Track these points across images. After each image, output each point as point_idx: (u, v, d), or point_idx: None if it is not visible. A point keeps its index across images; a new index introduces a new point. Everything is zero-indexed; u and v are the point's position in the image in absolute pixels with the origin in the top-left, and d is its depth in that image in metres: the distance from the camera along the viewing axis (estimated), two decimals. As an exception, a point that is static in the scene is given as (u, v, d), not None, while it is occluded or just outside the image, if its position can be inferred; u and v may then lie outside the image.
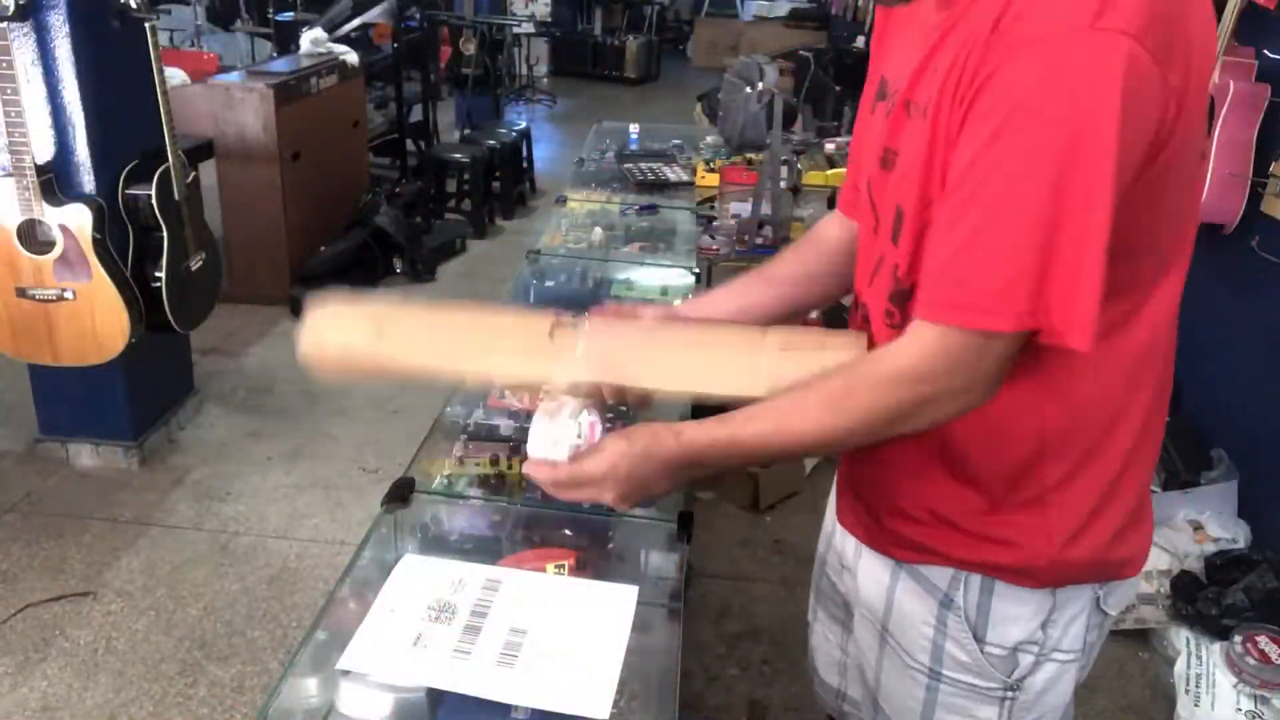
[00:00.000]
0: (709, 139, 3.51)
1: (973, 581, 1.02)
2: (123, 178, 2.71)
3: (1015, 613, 1.02)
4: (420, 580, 1.10)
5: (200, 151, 3.79)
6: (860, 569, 1.14)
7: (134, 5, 2.57)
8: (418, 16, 5.92)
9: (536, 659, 0.99)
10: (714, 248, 2.78)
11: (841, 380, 0.95)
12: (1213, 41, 0.87)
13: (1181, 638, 2.33)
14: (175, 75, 4.28)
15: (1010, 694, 1.05)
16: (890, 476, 1.06)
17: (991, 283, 0.84)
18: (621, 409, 1.19)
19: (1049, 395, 0.95)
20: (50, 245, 2.57)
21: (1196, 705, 2.18)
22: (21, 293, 2.62)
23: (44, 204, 2.53)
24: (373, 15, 5.15)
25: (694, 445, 0.97)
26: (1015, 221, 0.81)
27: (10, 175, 2.49)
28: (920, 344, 0.89)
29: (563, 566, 1.23)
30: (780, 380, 0.97)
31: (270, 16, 5.90)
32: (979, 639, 1.03)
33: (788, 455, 1.04)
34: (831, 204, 3.74)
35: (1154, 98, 0.79)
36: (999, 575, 1.01)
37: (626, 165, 3.09)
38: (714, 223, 2.97)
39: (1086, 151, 0.78)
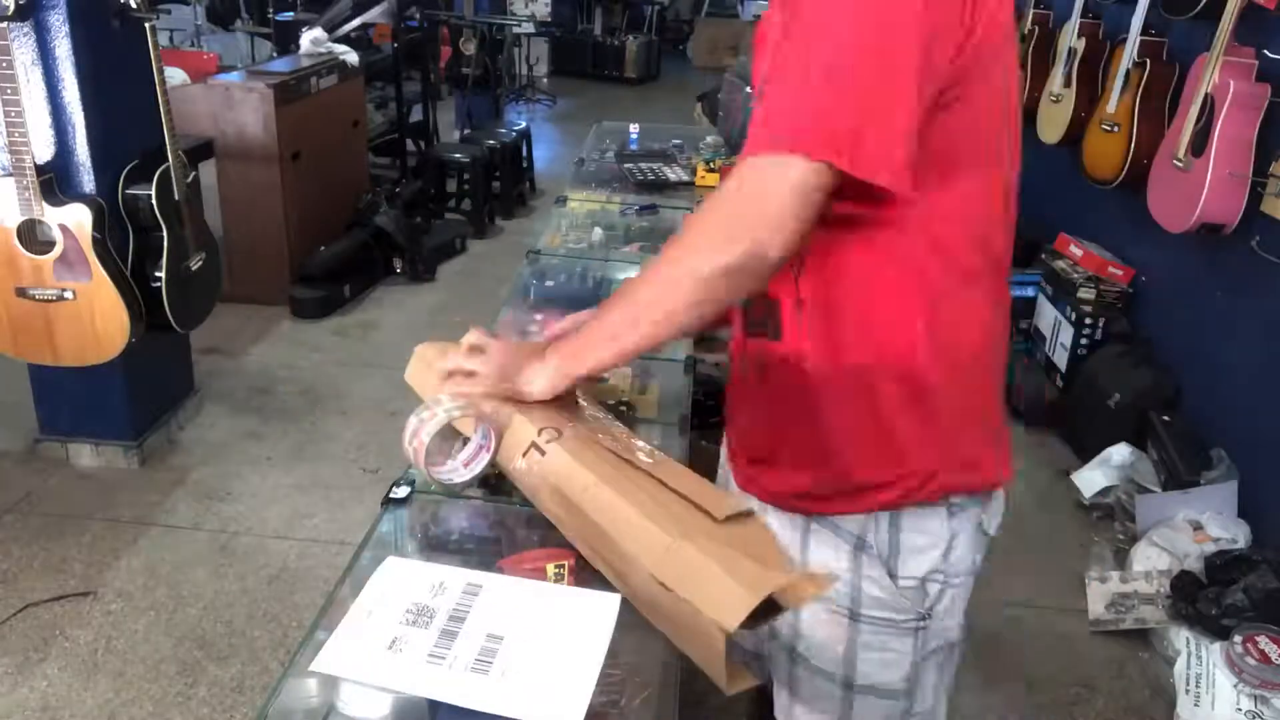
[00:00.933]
0: (709, 139, 3.50)
1: (882, 520, 1.10)
2: (123, 178, 2.71)
3: (921, 543, 1.10)
4: (401, 583, 1.09)
5: (200, 151, 3.79)
6: (770, 526, 1.16)
7: (134, 5, 2.57)
8: (418, 16, 5.92)
9: (511, 666, 0.98)
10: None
11: (643, 267, 1.07)
12: None
13: (1181, 638, 2.33)
14: (175, 75, 4.29)
15: (922, 624, 1.13)
16: (781, 426, 1.12)
17: (793, 113, 0.91)
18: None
19: (914, 297, 1.02)
20: (50, 245, 2.57)
21: (1196, 705, 2.18)
22: (21, 292, 2.61)
23: (44, 204, 2.53)
24: (373, 15, 5.15)
25: (564, 345, 1.10)
26: (820, 59, 0.90)
27: (10, 175, 2.49)
28: (741, 173, 0.95)
29: (563, 567, 1.22)
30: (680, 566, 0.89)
31: (270, 16, 5.90)
32: (892, 575, 1.11)
33: (650, 333, 1.02)
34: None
35: None
36: (903, 504, 1.08)
37: (626, 165, 3.08)
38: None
39: (893, 9, 0.89)
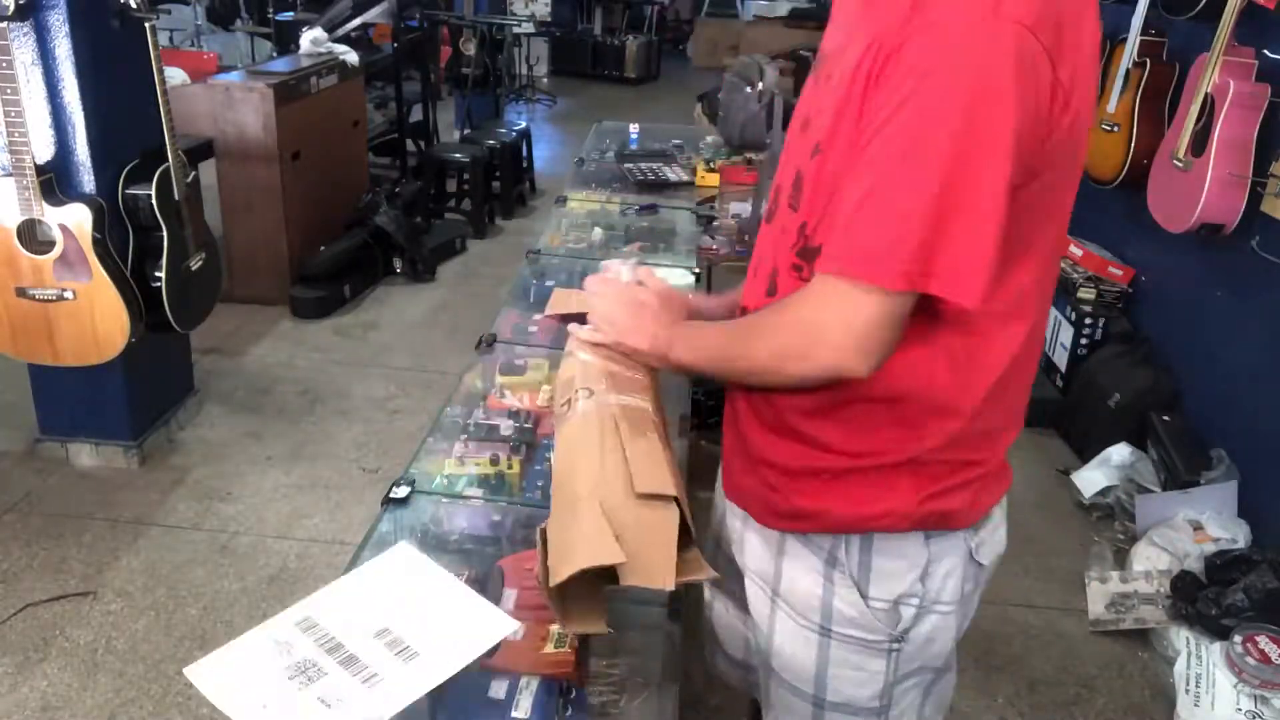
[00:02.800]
0: (709, 139, 3.50)
1: (853, 540, 1.09)
2: (123, 178, 2.71)
3: (894, 567, 1.09)
4: (239, 678, 1.00)
5: (200, 151, 3.79)
6: (748, 541, 1.21)
7: (134, 5, 2.57)
8: (418, 16, 5.92)
9: (423, 637, 1.01)
10: (714, 248, 2.77)
11: (757, 317, 1.06)
12: (1098, 51, 0.96)
13: (1181, 638, 2.33)
14: (175, 75, 4.29)
15: (896, 645, 1.12)
16: (766, 446, 1.13)
17: (879, 238, 0.90)
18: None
19: (940, 362, 1.00)
20: (50, 245, 2.57)
21: (1196, 705, 2.18)
22: (21, 292, 2.61)
23: (44, 204, 2.53)
24: (373, 15, 5.14)
25: (675, 328, 1.16)
26: (910, 181, 0.88)
27: (10, 175, 2.49)
28: (811, 291, 0.96)
29: (562, 566, 1.22)
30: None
31: (270, 16, 5.89)
32: (863, 594, 1.10)
33: (726, 376, 1.13)
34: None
35: (1044, 85, 0.88)
36: (876, 528, 1.08)
37: (626, 165, 3.08)
38: (714, 223, 2.97)
39: (983, 117, 0.86)
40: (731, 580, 1.28)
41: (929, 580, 1.10)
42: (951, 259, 0.88)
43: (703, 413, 3.03)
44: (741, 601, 1.27)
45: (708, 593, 1.38)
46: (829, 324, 0.94)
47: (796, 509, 1.11)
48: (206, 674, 0.96)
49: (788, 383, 1.03)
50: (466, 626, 1.03)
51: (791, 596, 1.15)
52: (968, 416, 1.02)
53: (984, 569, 1.15)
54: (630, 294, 1.21)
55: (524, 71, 9.01)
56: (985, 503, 1.11)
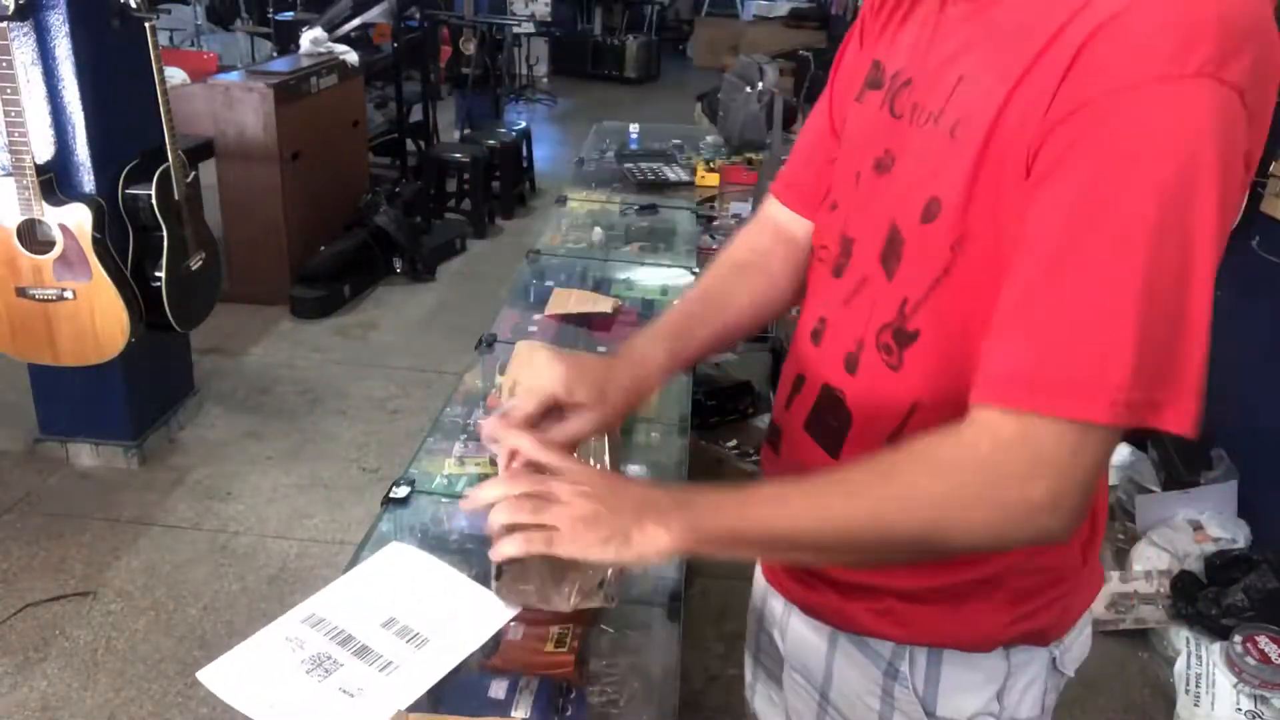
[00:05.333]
0: (709, 139, 3.51)
1: (920, 650, 0.93)
2: (123, 177, 2.71)
3: (968, 680, 0.93)
4: (252, 673, 1.00)
5: (200, 151, 3.79)
6: (790, 630, 1.05)
7: (134, 5, 2.57)
8: (418, 16, 5.92)
9: (430, 625, 1.02)
10: (714, 248, 2.77)
11: (874, 473, 0.76)
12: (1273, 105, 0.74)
13: (1181, 638, 2.33)
14: (175, 75, 4.29)
15: None
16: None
17: (1088, 360, 0.67)
18: None
19: None
20: (50, 245, 2.57)
21: (1196, 705, 2.18)
22: (21, 292, 2.61)
23: (44, 203, 2.53)
24: (373, 15, 5.15)
25: (689, 503, 0.79)
26: (1117, 288, 0.67)
27: (10, 175, 2.49)
28: (988, 433, 0.70)
29: (563, 566, 1.23)
30: None
31: (270, 16, 5.89)
32: (929, 712, 0.94)
33: (799, 550, 0.81)
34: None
35: (1240, 160, 0.70)
36: (948, 646, 0.93)
37: (626, 165, 3.09)
38: (714, 223, 2.97)
39: (1195, 211, 0.66)
40: (774, 664, 1.14)
41: (1007, 696, 0.94)
42: (1174, 382, 0.68)
43: (703, 412, 3.03)
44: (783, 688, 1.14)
45: (749, 673, 1.22)
46: (1031, 475, 0.69)
47: (856, 619, 0.95)
48: (219, 676, 0.95)
49: (944, 552, 0.79)
50: (470, 612, 1.04)
51: (843, 705, 1.00)
52: None
53: (1064, 677, 0.99)
54: (594, 475, 0.85)
55: (524, 71, 9.01)
56: (1075, 610, 0.95)
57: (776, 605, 1.08)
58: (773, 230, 1.10)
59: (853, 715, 0.99)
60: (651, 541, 0.77)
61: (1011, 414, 0.69)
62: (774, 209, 1.10)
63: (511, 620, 1.05)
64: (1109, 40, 0.67)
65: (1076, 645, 0.98)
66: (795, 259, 1.06)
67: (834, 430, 0.91)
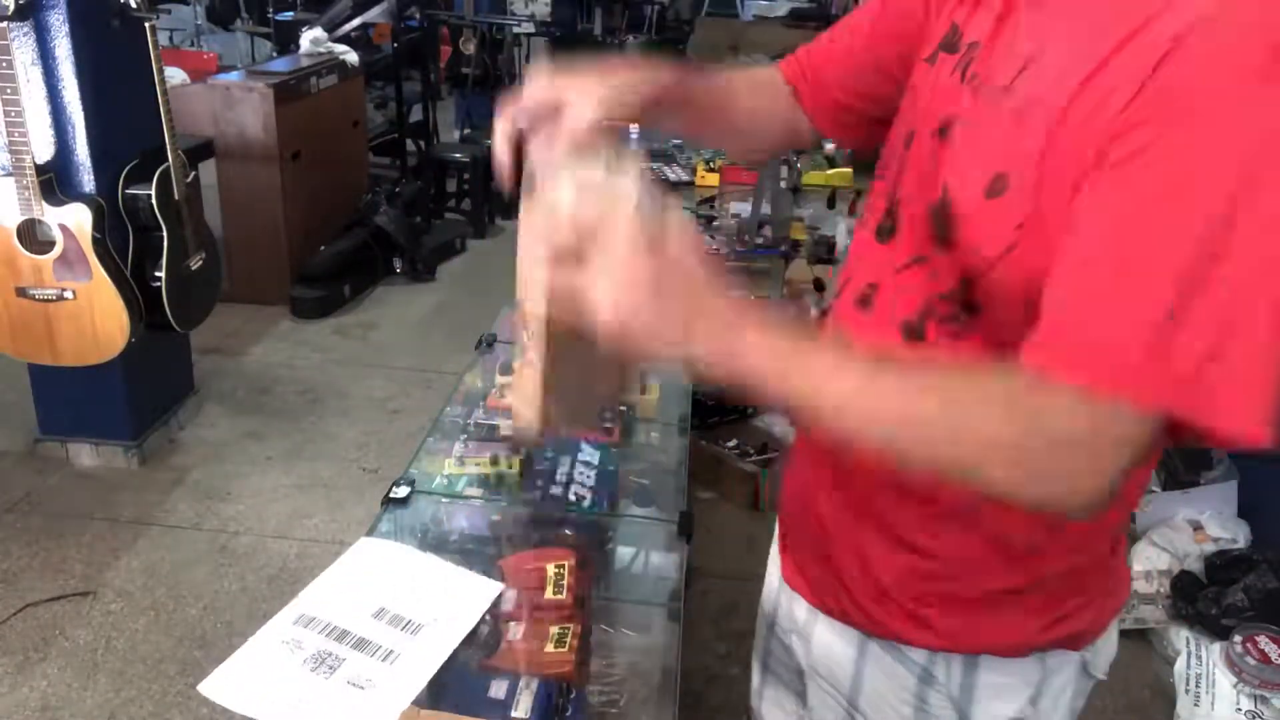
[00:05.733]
0: (709, 139, 3.50)
1: (955, 657, 0.93)
2: (123, 177, 2.71)
3: (1004, 684, 0.93)
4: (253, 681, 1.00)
5: (200, 151, 3.79)
6: (816, 636, 1.02)
7: (134, 5, 2.57)
8: (418, 16, 5.92)
9: (423, 611, 1.02)
10: (714, 248, 2.78)
11: (938, 378, 0.73)
12: None
13: (1181, 638, 2.33)
14: (175, 75, 4.29)
15: None
16: (870, 553, 0.93)
17: (1138, 344, 0.66)
18: None
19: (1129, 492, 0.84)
20: (50, 245, 2.57)
21: (1196, 705, 2.18)
22: (21, 292, 2.61)
23: (44, 203, 2.53)
24: (373, 15, 5.15)
25: (740, 332, 0.72)
26: (1179, 260, 0.65)
27: (10, 175, 2.49)
28: (1050, 398, 0.69)
29: (563, 567, 1.23)
30: None
31: (270, 16, 5.90)
32: (964, 718, 0.94)
33: (823, 431, 0.76)
34: (831, 203, 3.69)
35: None
36: (984, 652, 0.92)
37: (626, 165, 3.08)
38: (714, 223, 2.97)
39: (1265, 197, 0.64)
40: (787, 672, 1.13)
41: (1041, 700, 0.93)
42: (1239, 383, 0.68)
43: (703, 412, 3.03)
44: (796, 697, 1.12)
45: (756, 678, 1.20)
46: (1072, 448, 0.68)
47: (889, 625, 0.94)
48: (222, 686, 0.95)
49: (960, 482, 0.74)
50: (458, 594, 1.04)
51: (874, 713, 0.98)
52: (1103, 527, 0.89)
53: (1093, 680, 0.98)
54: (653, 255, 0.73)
55: (524, 71, 9.01)
56: (1108, 611, 0.96)
57: (799, 611, 1.05)
58: (777, 79, 1.08)
59: None
60: (686, 353, 0.73)
61: (1077, 386, 0.68)
62: (772, 73, 1.09)
63: (508, 613, 1.04)
64: (1199, 44, 0.66)
65: (1106, 648, 0.98)
66: (786, 112, 1.06)
67: None
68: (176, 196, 2.81)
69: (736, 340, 0.72)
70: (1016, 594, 0.89)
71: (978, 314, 0.80)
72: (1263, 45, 0.65)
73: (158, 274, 2.78)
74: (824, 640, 1.01)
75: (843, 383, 0.72)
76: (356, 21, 5.02)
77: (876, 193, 0.93)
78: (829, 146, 3.60)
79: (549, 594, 1.18)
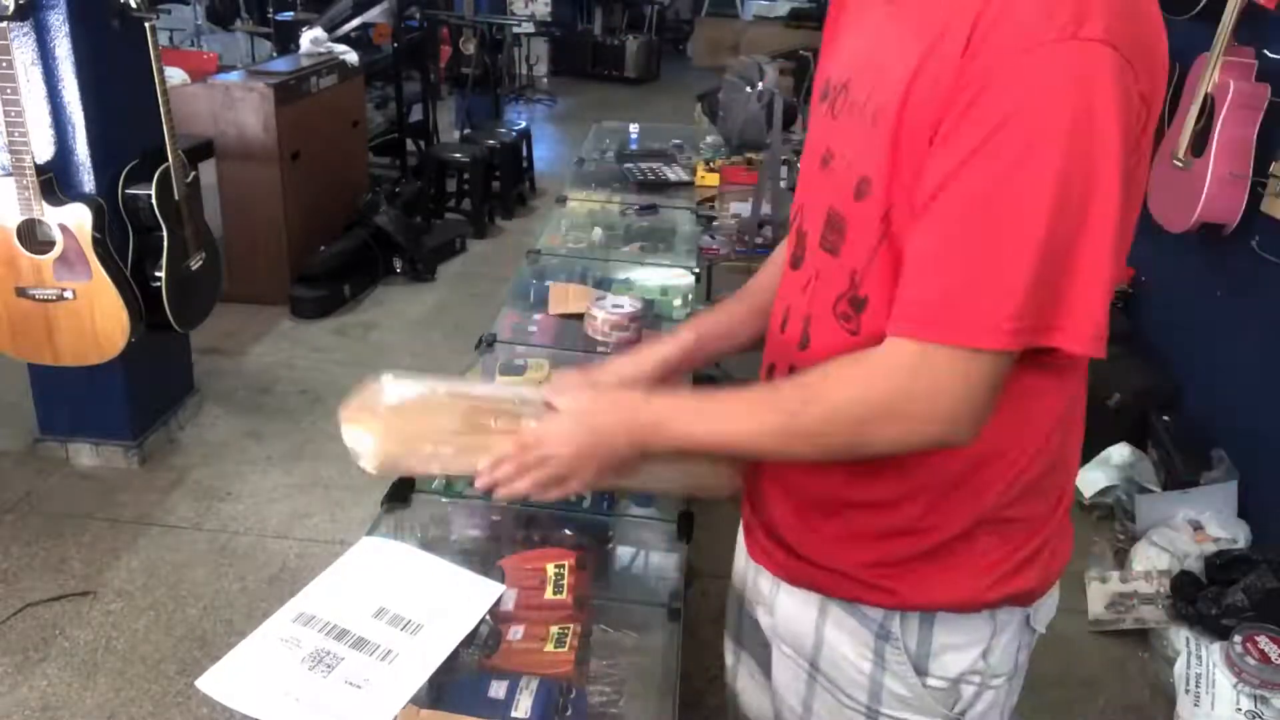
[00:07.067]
0: (709, 139, 3.50)
1: (911, 615, 0.98)
2: (123, 177, 2.71)
3: (957, 642, 0.98)
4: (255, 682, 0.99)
5: (200, 151, 3.79)
6: (779, 604, 1.08)
7: (134, 5, 2.57)
8: (418, 16, 5.92)
9: (423, 611, 1.01)
10: (714, 248, 2.77)
11: (804, 388, 0.91)
12: (1166, 54, 0.86)
13: (1181, 638, 2.33)
14: (175, 75, 4.28)
15: None
16: (815, 519, 1.00)
17: (984, 294, 0.79)
18: None
19: (1021, 435, 0.92)
20: (50, 245, 2.57)
21: (1196, 705, 2.17)
22: (21, 292, 2.61)
23: (44, 203, 2.53)
24: (373, 15, 5.15)
25: (659, 411, 0.97)
26: (1013, 229, 0.78)
27: (10, 175, 2.49)
28: (896, 360, 0.84)
29: (563, 567, 1.23)
30: None
31: (270, 16, 5.89)
32: (920, 672, 0.99)
33: (737, 454, 1.01)
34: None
35: (1134, 104, 0.79)
36: (938, 609, 0.97)
37: (626, 165, 3.09)
38: (714, 223, 2.97)
39: (1091, 149, 0.76)
40: (757, 646, 1.17)
41: (990, 655, 0.99)
42: (1070, 307, 0.79)
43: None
44: (766, 668, 1.16)
45: (729, 657, 1.26)
46: (931, 394, 0.82)
47: (846, 587, 1.00)
48: (219, 683, 0.95)
49: (866, 455, 0.90)
50: (459, 594, 1.03)
51: (834, 671, 1.03)
52: (1032, 463, 0.94)
53: (1035, 634, 1.04)
54: (567, 419, 1.00)
55: (524, 71, 9.01)
56: (1054, 570, 1.01)
57: (763, 583, 1.11)
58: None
59: (843, 680, 1.02)
60: (634, 455, 0.97)
61: (915, 343, 0.82)
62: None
63: (508, 613, 1.04)
64: (993, 19, 0.78)
65: (1048, 603, 1.04)
66: None
67: None
68: (176, 196, 2.81)
69: (654, 414, 0.97)
70: (960, 543, 0.94)
71: (866, 307, 0.91)
72: (1036, 11, 0.77)
73: (158, 274, 2.78)
74: (786, 607, 1.07)
75: (733, 422, 0.94)
76: (356, 21, 5.02)
77: (790, 233, 1.06)
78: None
79: (549, 594, 1.18)
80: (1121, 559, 2.70)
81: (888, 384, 0.85)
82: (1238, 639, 2.18)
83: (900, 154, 0.84)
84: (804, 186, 1.03)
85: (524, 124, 6.09)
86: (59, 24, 2.51)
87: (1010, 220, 0.78)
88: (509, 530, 1.39)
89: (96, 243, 2.58)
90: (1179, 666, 2.27)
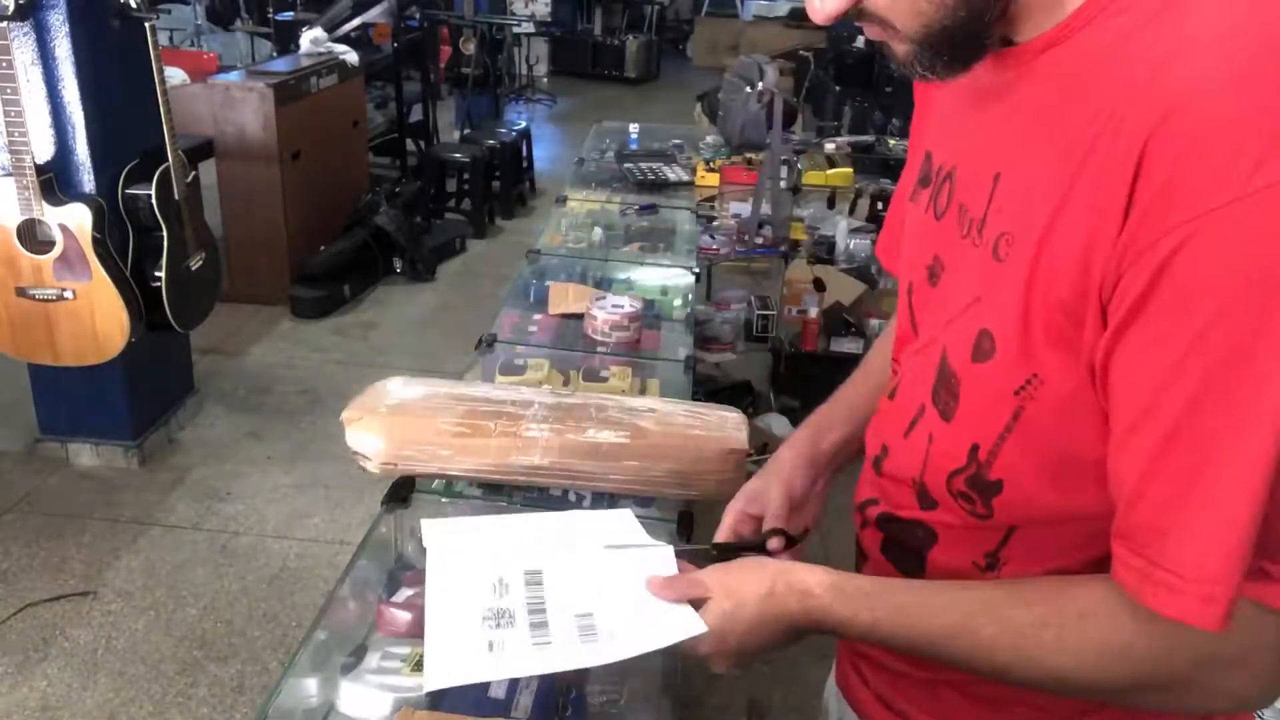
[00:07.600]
0: (709, 139, 3.51)
1: None
2: (123, 177, 2.71)
3: None
4: (459, 581, 0.98)
5: (200, 151, 3.79)
6: None
7: (134, 5, 2.57)
8: (418, 16, 5.92)
9: (612, 627, 0.96)
10: (714, 248, 2.78)
11: (1045, 615, 0.68)
12: None
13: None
14: (175, 75, 4.29)
15: None
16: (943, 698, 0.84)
17: (1221, 560, 0.59)
18: None
19: None
20: (50, 245, 2.57)
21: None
22: (21, 292, 2.61)
23: (44, 203, 2.53)
24: (373, 15, 5.15)
25: (824, 616, 0.76)
26: (1250, 466, 0.58)
27: (10, 175, 2.49)
28: (1153, 629, 0.63)
29: (563, 566, 1.22)
30: None
31: (270, 16, 5.89)
32: None
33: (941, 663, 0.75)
34: (831, 204, 3.69)
35: None
36: None
37: (626, 165, 3.09)
38: (714, 223, 2.97)
39: None
40: None
41: None
42: None
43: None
44: None
45: None
46: (1232, 662, 0.63)
47: None
48: (438, 535, 0.94)
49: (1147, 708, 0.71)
50: (657, 618, 0.97)
51: None
52: None
53: None
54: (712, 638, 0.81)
55: (524, 71, 9.01)
56: None
57: None
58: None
59: None
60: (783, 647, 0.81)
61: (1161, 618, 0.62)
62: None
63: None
64: (1174, 149, 0.56)
65: None
66: None
67: (914, 556, 0.83)
68: (176, 196, 2.81)
69: (815, 612, 0.76)
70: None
71: (1000, 494, 0.73)
72: (1235, 147, 0.55)
73: (158, 274, 2.78)
74: None
75: (942, 618, 0.72)
76: (356, 21, 5.02)
77: (900, 355, 0.87)
78: (829, 147, 3.60)
79: (549, 594, 1.18)
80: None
81: (1139, 652, 0.65)
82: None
83: (1038, 310, 0.65)
84: (905, 302, 0.83)
85: (524, 124, 6.09)
86: (59, 24, 2.51)
87: (1245, 457, 0.58)
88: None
89: (96, 243, 2.58)
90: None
